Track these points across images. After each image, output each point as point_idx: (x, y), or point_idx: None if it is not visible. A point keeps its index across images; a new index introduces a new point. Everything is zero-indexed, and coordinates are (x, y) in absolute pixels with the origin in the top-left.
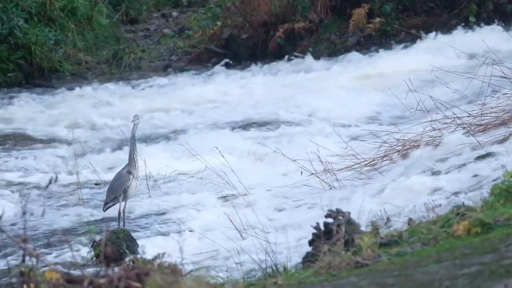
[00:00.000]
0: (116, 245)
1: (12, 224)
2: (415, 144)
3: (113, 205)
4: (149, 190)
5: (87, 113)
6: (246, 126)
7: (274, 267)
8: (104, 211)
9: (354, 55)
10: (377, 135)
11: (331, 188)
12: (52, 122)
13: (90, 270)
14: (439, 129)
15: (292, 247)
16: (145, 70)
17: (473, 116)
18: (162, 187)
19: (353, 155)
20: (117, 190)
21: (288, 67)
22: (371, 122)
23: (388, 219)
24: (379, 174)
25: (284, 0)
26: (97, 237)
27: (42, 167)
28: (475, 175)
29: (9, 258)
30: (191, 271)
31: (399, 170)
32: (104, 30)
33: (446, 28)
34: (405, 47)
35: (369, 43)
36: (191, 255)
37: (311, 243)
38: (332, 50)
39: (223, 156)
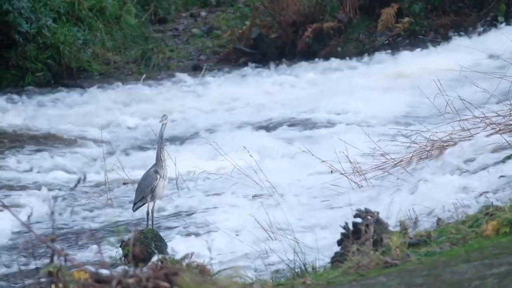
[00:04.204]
0: (144, 245)
1: (41, 224)
2: (444, 144)
3: (142, 205)
4: (178, 190)
5: (115, 113)
6: (274, 125)
7: (302, 267)
8: (134, 211)
9: (382, 54)
10: (406, 135)
11: (359, 188)
12: (81, 122)
13: (119, 270)
14: (468, 129)
15: (320, 247)
16: (174, 70)
17: (502, 116)
18: (191, 187)
19: (382, 155)
20: (144, 190)
21: (317, 67)
22: (400, 122)
23: (417, 219)
24: (408, 174)
25: None
26: (126, 237)
27: (70, 166)
28: (504, 175)
29: (37, 258)
30: (220, 271)
31: (428, 170)
32: (133, 30)
33: (475, 27)
34: (434, 46)
35: (398, 42)
36: (220, 255)
37: (339, 243)
38: (361, 50)
39: (251, 156)
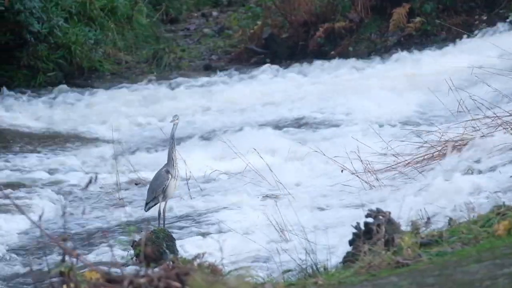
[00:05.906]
0: (156, 245)
1: (52, 224)
2: (456, 144)
3: (154, 205)
4: (189, 190)
5: (126, 113)
6: (286, 125)
7: (314, 267)
8: (146, 211)
9: (394, 54)
10: (418, 135)
11: (371, 188)
12: (92, 121)
13: (130, 269)
14: (479, 129)
15: (332, 247)
16: (185, 69)
17: None
18: (202, 187)
19: (393, 154)
20: (156, 190)
21: (328, 67)
22: (412, 122)
23: (428, 219)
24: (419, 173)
25: None
26: (137, 237)
27: (82, 166)
28: None
29: (49, 258)
30: (231, 271)
31: (439, 169)
32: (144, 30)
33: (486, 27)
34: (445, 46)
35: (410, 42)
36: (231, 255)
37: (351, 242)
38: (372, 50)
39: (261, 157)
